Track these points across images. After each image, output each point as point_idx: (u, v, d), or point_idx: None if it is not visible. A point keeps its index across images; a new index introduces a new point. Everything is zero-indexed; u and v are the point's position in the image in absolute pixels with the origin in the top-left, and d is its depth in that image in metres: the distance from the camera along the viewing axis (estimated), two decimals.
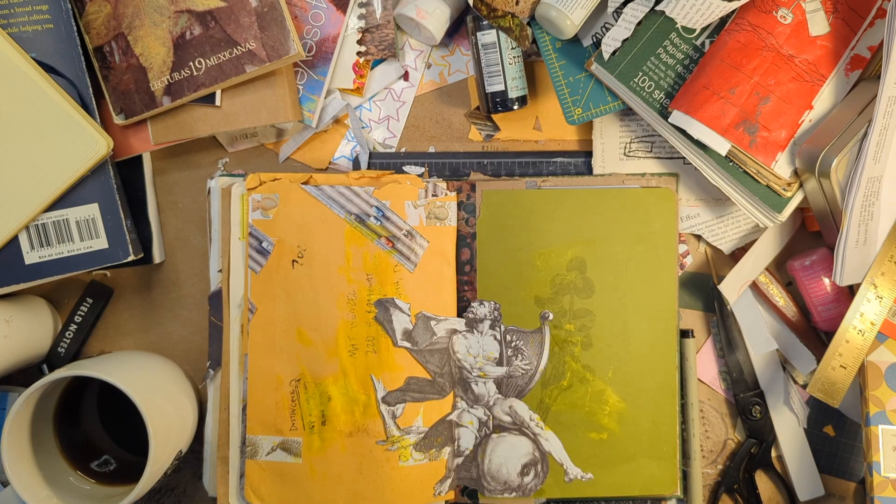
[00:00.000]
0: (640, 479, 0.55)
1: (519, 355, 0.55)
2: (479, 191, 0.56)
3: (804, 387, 0.56)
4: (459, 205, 0.56)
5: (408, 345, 0.54)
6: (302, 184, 0.54)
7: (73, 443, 0.56)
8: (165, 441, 0.51)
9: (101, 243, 0.53)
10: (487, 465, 0.55)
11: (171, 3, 0.50)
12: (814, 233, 0.57)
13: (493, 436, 0.55)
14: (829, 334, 0.52)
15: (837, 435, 0.56)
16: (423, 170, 0.58)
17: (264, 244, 0.54)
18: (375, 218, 0.54)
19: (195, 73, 0.51)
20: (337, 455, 0.54)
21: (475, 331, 0.55)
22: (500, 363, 0.55)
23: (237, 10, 0.50)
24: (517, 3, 0.50)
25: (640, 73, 0.50)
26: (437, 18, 0.54)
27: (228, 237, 0.54)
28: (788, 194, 0.49)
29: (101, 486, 0.55)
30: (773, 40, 0.47)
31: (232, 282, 0.55)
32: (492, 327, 0.55)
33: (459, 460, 0.55)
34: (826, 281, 0.53)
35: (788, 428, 0.56)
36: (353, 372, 0.54)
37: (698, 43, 0.50)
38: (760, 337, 0.55)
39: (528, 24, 0.52)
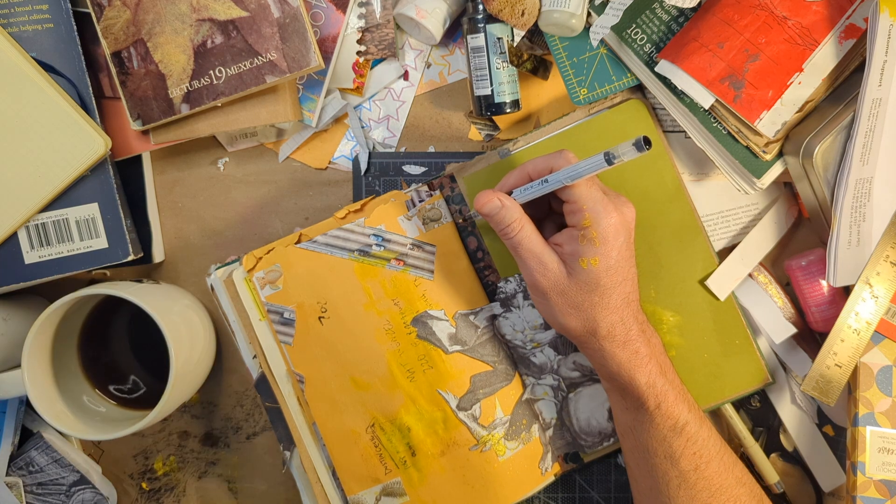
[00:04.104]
0: (728, 381, 0.56)
1: None
2: (459, 180, 0.57)
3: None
4: (448, 200, 0.57)
5: (458, 347, 0.56)
6: (295, 244, 0.55)
7: (95, 363, 0.58)
8: (185, 368, 0.53)
9: (100, 243, 0.55)
10: (577, 423, 0.57)
11: (193, 12, 0.52)
12: (813, 233, 0.58)
13: (570, 395, 0.57)
14: (825, 336, 0.53)
15: (837, 435, 0.58)
16: (423, 169, 0.59)
17: (286, 315, 0.55)
18: (377, 245, 0.55)
19: (215, 82, 0.53)
20: (439, 477, 0.56)
21: (512, 307, 0.56)
22: (547, 327, 0.56)
23: (260, 21, 0.52)
24: (522, 15, 0.52)
25: (634, 25, 0.52)
26: (436, 18, 0.56)
27: (250, 322, 0.55)
28: (768, 157, 0.51)
29: (119, 408, 0.57)
30: (767, 0, 0.49)
31: (271, 362, 0.56)
32: (525, 297, 0.56)
33: (550, 432, 0.57)
34: (823, 282, 0.55)
35: (801, 426, 0.58)
36: (420, 395, 0.56)
37: (694, 4, 0.51)
38: (778, 324, 0.56)
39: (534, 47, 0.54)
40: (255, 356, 0.56)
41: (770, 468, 0.57)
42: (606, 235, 0.46)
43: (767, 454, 0.58)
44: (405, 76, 0.60)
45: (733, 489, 0.48)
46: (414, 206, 0.56)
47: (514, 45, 0.56)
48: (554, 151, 0.49)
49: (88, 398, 0.56)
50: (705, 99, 0.49)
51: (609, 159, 0.42)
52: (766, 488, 0.57)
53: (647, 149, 0.41)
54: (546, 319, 0.50)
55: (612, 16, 0.51)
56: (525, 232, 0.48)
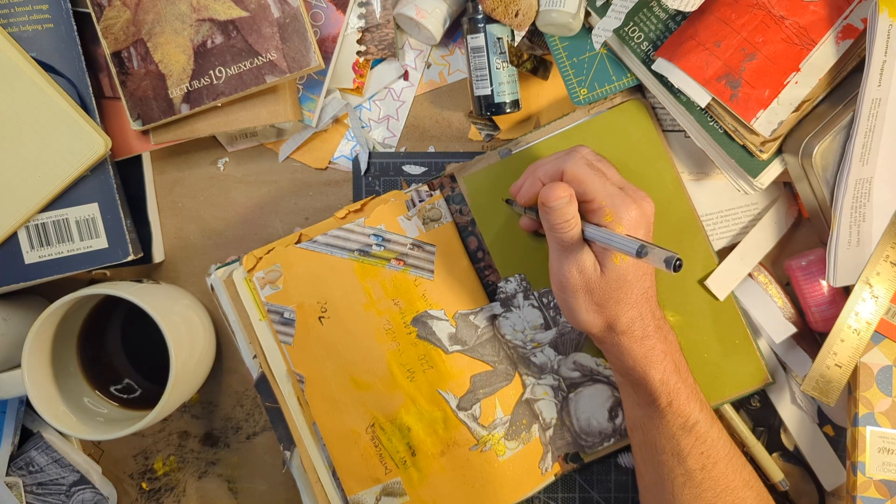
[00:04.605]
0: (728, 381, 0.56)
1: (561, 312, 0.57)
2: (459, 180, 0.57)
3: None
4: (448, 200, 0.57)
5: (458, 347, 0.56)
6: (295, 244, 0.56)
7: (95, 363, 0.58)
8: (185, 368, 0.54)
9: (100, 243, 0.55)
10: (577, 423, 0.57)
11: (193, 12, 0.52)
12: (813, 233, 0.58)
13: (571, 395, 0.57)
14: (825, 336, 0.53)
15: (837, 435, 0.58)
16: (423, 169, 0.60)
17: (286, 315, 0.55)
18: (377, 245, 0.56)
19: (215, 82, 0.53)
20: (439, 477, 0.56)
21: (512, 307, 0.57)
22: (547, 327, 0.57)
23: (259, 21, 0.52)
24: (516, 16, 0.52)
25: (632, 23, 0.52)
26: (436, 18, 0.56)
27: (250, 322, 0.56)
28: (764, 156, 0.51)
29: (119, 408, 0.58)
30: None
31: (271, 362, 0.56)
32: (526, 297, 0.57)
33: (550, 432, 0.57)
34: (823, 282, 0.55)
35: (801, 425, 0.58)
36: (420, 394, 0.56)
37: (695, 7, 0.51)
38: (778, 324, 0.56)
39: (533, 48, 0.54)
40: (255, 356, 0.56)
41: (774, 466, 0.57)
42: (628, 230, 0.46)
43: (769, 454, 0.58)
44: (405, 76, 0.60)
45: (739, 491, 0.48)
46: (414, 206, 0.56)
47: (514, 45, 0.56)
48: (562, 151, 0.49)
49: (88, 398, 0.57)
50: (702, 97, 0.49)
51: (639, 253, 0.41)
52: (771, 487, 0.57)
53: (674, 271, 0.40)
54: (566, 316, 0.50)
55: (614, 18, 0.51)
56: (577, 229, 0.47)
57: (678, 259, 0.39)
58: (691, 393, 0.48)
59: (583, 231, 0.46)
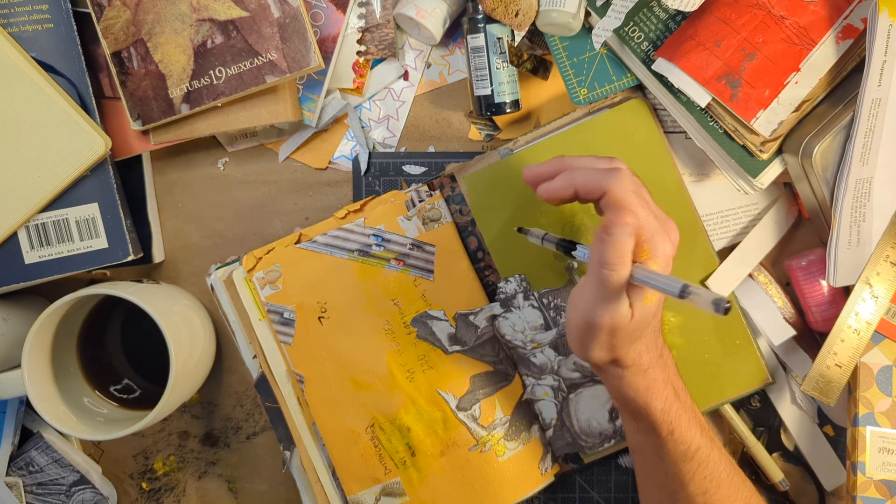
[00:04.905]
0: (728, 381, 0.56)
1: (562, 312, 0.57)
2: (459, 180, 0.57)
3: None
4: (448, 200, 0.57)
5: (458, 347, 0.56)
6: (295, 244, 0.56)
7: (95, 363, 0.58)
8: (185, 368, 0.54)
9: (100, 243, 0.55)
10: (577, 424, 0.57)
11: (193, 12, 0.52)
12: (813, 233, 0.58)
13: (571, 396, 0.57)
14: (825, 336, 0.54)
15: (837, 435, 0.58)
16: (423, 169, 0.60)
17: (286, 315, 0.56)
18: (377, 245, 0.56)
19: (215, 82, 0.53)
20: (438, 478, 0.56)
21: (512, 308, 0.57)
22: (547, 327, 0.57)
23: (259, 21, 0.52)
24: (516, 16, 0.52)
25: (632, 23, 0.52)
26: (436, 18, 0.56)
27: (249, 322, 0.56)
28: (764, 156, 0.51)
29: (119, 408, 0.58)
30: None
31: (271, 362, 0.56)
32: (526, 298, 0.57)
33: (550, 433, 0.57)
34: (823, 282, 0.55)
35: (801, 425, 0.58)
36: (420, 395, 0.56)
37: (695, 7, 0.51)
38: (778, 325, 0.56)
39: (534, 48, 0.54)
40: (255, 356, 0.57)
41: (774, 467, 0.57)
42: (661, 267, 0.42)
43: (769, 453, 0.58)
44: (405, 76, 0.60)
45: None
46: (414, 206, 0.57)
47: (514, 45, 0.56)
48: (598, 158, 0.45)
49: (88, 398, 0.57)
50: (702, 97, 0.50)
51: (682, 294, 0.38)
52: (771, 487, 0.57)
53: (724, 314, 0.36)
54: (574, 346, 0.47)
55: (614, 18, 0.52)
56: (627, 271, 0.41)
57: (727, 302, 0.35)
58: (692, 418, 0.47)
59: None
